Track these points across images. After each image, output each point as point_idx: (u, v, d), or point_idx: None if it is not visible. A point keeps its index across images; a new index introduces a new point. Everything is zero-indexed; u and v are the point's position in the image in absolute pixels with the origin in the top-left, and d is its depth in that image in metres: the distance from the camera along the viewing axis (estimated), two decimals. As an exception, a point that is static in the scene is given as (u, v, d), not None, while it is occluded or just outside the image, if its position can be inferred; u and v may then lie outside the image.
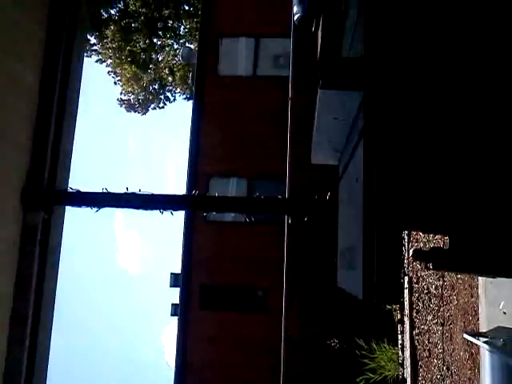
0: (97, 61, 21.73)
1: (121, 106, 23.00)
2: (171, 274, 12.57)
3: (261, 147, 11.07)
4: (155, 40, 21.77)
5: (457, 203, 0.93)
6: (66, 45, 3.99)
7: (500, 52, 1.15)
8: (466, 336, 4.66)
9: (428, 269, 5.71)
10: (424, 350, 7.30)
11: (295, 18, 8.29)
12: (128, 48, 21.04)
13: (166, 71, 21.90)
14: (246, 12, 11.76)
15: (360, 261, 1.04)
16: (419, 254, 2.63)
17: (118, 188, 4.02)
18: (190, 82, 15.50)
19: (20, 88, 3.40)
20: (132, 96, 22.68)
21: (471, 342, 4.86)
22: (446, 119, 1.20)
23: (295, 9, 8.21)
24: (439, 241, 5.93)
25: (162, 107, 23.18)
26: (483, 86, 1.21)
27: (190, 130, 11.60)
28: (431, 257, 1.71)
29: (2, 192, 3.30)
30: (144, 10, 20.33)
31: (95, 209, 3.89)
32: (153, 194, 3.91)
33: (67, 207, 3.99)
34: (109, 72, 22.47)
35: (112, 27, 20.59)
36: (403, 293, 8.18)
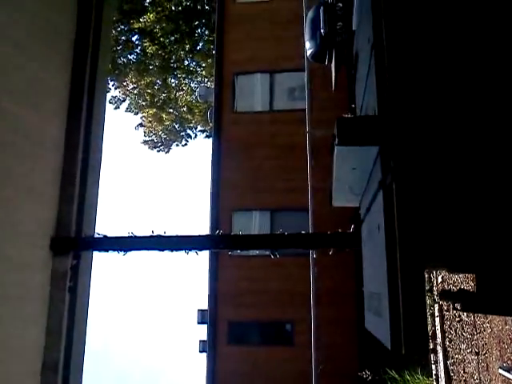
0: (115, 107, 22.38)
1: (145, 146, 23.61)
2: (198, 310, 12.56)
3: (282, 180, 11.15)
4: (172, 80, 22.39)
5: (482, 242, 0.95)
6: (88, 95, 4.15)
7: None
8: (501, 371, 4.50)
9: (456, 310, 5.57)
10: (460, 381, 7.08)
11: (308, 53, 8.48)
12: (147, 90, 21.69)
13: (185, 109, 22.42)
14: (260, 49, 12.03)
15: (386, 312, 1.05)
16: (447, 295, 2.58)
17: (144, 229, 4.11)
18: (208, 119, 15.85)
19: (46, 141, 3.55)
20: (154, 136, 23.26)
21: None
22: (459, 167, 1.23)
23: (307, 44, 8.41)
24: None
25: (185, 144, 23.67)
26: (497, 137, 1.24)
27: (211, 166, 11.78)
28: (459, 298, 1.69)
29: (32, 241, 3.41)
30: (161, 52, 20.97)
31: (122, 253, 3.97)
32: (178, 236, 3.97)
33: (95, 252, 4.08)
34: (128, 112, 23.09)
35: (131, 72, 21.29)
36: (434, 321, 8.00)
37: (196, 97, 19.62)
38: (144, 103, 22.40)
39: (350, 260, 6.42)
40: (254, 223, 11.46)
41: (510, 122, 1.27)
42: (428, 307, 7.75)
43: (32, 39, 3.67)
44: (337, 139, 1.25)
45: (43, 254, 3.61)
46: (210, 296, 11.20)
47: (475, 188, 1.23)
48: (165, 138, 23.38)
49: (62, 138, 3.90)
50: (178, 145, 23.56)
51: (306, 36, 8.54)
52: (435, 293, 8.07)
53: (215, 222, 11.37)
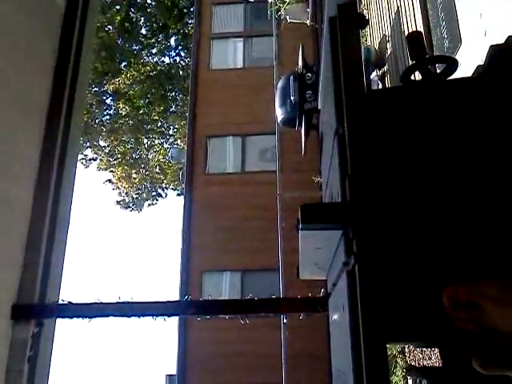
0: (86, 166, 22.39)
1: (117, 206, 23.48)
2: (166, 375, 12.09)
3: (252, 240, 11.16)
4: (145, 140, 22.64)
5: (442, 320, 0.98)
6: (59, 159, 4.15)
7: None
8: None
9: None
10: None
11: (279, 119, 8.78)
12: (119, 149, 21.84)
13: (157, 169, 22.56)
14: (232, 113, 12.37)
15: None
16: (414, 371, 2.58)
17: (112, 294, 4.02)
18: (180, 179, 16.01)
19: (13, 204, 3.50)
20: (126, 196, 23.20)
21: None
22: (417, 253, 1.30)
23: (278, 111, 8.71)
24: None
25: (155, 203, 23.62)
26: (457, 224, 1.32)
27: (182, 226, 11.75)
28: (425, 375, 1.70)
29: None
30: (134, 113, 21.30)
31: (87, 319, 3.86)
32: (145, 302, 3.90)
33: (59, 319, 3.95)
34: (99, 170, 23.06)
35: (103, 132, 21.48)
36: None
37: (168, 157, 19.84)
38: (115, 162, 22.47)
39: (322, 322, 6.37)
40: (225, 284, 11.34)
41: (467, 209, 1.35)
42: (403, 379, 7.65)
43: (5, 107, 3.71)
44: (300, 225, 1.30)
45: (3, 323, 3.48)
46: (178, 360, 10.85)
47: (436, 272, 1.29)
48: (136, 197, 23.33)
49: (30, 203, 3.87)
50: (149, 204, 23.52)
51: (277, 103, 8.87)
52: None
53: (185, 283, 11.20)
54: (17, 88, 3.80)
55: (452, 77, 1.81)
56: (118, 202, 23.45)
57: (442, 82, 1.74)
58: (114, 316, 4.06)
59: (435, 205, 1.35)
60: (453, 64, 1.84)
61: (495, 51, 1.70)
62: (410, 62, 1.91)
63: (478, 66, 1.79)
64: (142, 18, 21.88)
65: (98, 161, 22.81)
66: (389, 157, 1.43)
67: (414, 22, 6.46)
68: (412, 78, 1.89)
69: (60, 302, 4.02)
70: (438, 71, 1.88)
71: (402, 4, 6.98)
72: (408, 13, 6.69)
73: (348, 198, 1.33)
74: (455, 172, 1.42)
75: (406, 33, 6.68)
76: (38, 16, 3.96)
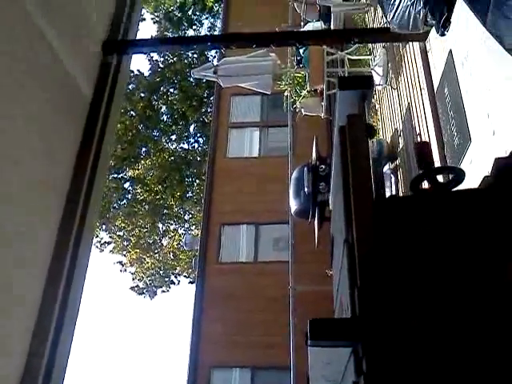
0: (100, 250, 22.47)
1: (131, 292, 23.23)
2: None
3: (263, 335, 10.79)
4: (160, 225, 22.79)
5: None
6: (74, 247, 4.13)
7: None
8: None
9: None
10: None
11: (292, 210, 8.84)
12: (134, 233, 21.98)
13: (171, 256, 22.49)
14: (246, 202, 12.49)
15: None
16: None
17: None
18: (193, 267, 15.92)
19: (25, 294, 3.47)
20: (139, 282, 22.99)
21: None
22: (425, 375, 1.23)
23: (292, 202, 8.80)
24: None
25: (168, 290, 23.31)
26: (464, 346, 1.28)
27: (192, 316, 11.47)
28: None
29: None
30: (150, 198, 21.65)
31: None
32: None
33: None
34: (113, 253, 23.06)
35: (119, 215, 21.74)
36: None
37: (182, 244, 19.85)
38: (129, 245, 22.51)
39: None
40: (234, 382, 10.85)
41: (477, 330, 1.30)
42: None
43: (26, 190, 3.76)
44: (309, 341, 1.25)
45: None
46: None
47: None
48: (150, 283, 23.09)
49: (41, 290, 3.81)
50: (163, 291, 23.18)
51: (291, 194, 8.97)
52: None
53: (193, 379, 10.74)
54: (39, 173, 3.88)
55: (461, 186, 1.83)
56: (132, 288, 23.20)
57: (449, 193, 1.75)
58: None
59: (449, 321, 1.30)
60: (460, 174, 1.86)
61: (500, 164, 1.73)
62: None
63: (485, 177, 1.81)
64: (164, 106, 22.92)
65: (113, 244, 22.89)
66: (398, 268, 1.41)
67: (424, 118, 6.63)
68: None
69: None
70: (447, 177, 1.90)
71: (413, 100, 7.21)
72: (418, 109, 6.90)
73: (357, 312, 1.29)
74: (466, 287, 1.37)
75: (417, 129, 6.85)
76: (64, 106, 4.13)
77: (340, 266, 1.87)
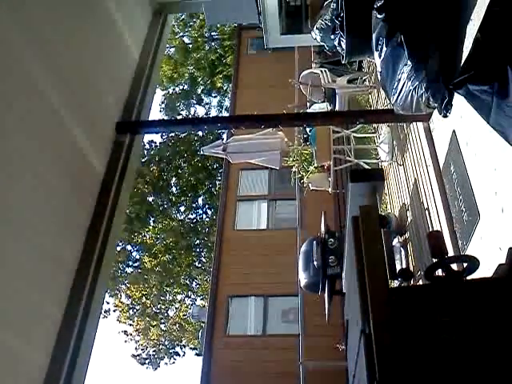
0: (104, 316, 22.11)
1: (133, 360, 22.61)
2: None
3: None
4: (167, 295, 22.54)
5: None
6: (81, 322, 4.10)
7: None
8: None
9: None
10: None
11: (301, 283, 8.76)
12: (139, 302, 21.73)
13: (177, 326, 22.07)
14: (255, 274, 12.43)
15: None
16: None
17: None
18: (199, 339, 15.58)
19: (24, 367, 3.45)
20: (142, 352, 22.45)
21: None
22: None
23: (301, 275, 8.73)
24: None
25: (173, 363, 22.67)
26: None
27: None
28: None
29: None
30: (158, 266, 21.58)
31: None
32: None
33: None
34: (118, 322, 22.66)
35: (126, 283, 21.62)
36: None
37: (189, 314, 19.52)
38: (135, 313, 22.20)
39: None
40: None
41: None
42: None
43: (35, 270, 3.79)
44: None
45: None
46: None
47: None
48: (153, 354, 22.50)
49: (46, 367, 3.77)
50: (166, 363, 22.55)
51: (301, 267, 8.91)
52: None
53: None
54: (50, 249, 3.93)
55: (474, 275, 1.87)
56: (134, 356, 22.60)
57: (465, 283, 1.80)
58: None
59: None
60: (474, 263, 1.91)
61: (513, 255, 1.79)
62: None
63: (500, 265, 1.86)
64: (174, 178, 23.38)
65: (118, 312, 22.56)
66: (416, 361, 1.43)
67: (432, 194, 6.70)
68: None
69: None
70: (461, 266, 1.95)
71: (419, 176, 7.32)
72: (425, 185, 6.99)
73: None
74: (485, 379, 1.39)
75: (425, 204, 6.92)
76: (77, 184, 4.26)
77: (357, 353, 1.88)
